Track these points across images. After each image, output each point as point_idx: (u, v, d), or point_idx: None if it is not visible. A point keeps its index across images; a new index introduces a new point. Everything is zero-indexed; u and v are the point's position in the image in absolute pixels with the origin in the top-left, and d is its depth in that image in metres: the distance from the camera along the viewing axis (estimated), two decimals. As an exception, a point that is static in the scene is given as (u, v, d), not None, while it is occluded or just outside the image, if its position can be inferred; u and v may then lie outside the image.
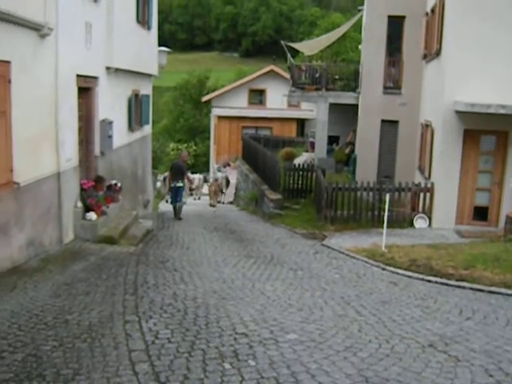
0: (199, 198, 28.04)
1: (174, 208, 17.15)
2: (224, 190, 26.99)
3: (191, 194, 27.58)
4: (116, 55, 12.96)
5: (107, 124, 12.46)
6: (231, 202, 25.96)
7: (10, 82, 7.98)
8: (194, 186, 27.82)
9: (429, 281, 8.93)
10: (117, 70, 13.20)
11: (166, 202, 22.89)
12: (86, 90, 11.52)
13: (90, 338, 5.60)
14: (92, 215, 11.00)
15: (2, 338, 5.49)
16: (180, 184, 16.90)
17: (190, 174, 23.48)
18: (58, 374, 4.76)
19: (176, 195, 17.04)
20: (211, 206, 24.56)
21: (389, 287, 8.47)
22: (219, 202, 25.66)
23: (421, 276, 9.16)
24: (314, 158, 22.50)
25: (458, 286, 8.59)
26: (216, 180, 27.43)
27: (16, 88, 8.14)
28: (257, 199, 19.51)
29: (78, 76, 10.78)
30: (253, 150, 23.47)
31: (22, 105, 8.35)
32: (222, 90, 39.73)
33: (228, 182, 27.36)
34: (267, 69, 38.28)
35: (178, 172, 16.98)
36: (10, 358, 5.06)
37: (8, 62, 7.94)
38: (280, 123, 36.89)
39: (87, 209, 11.05)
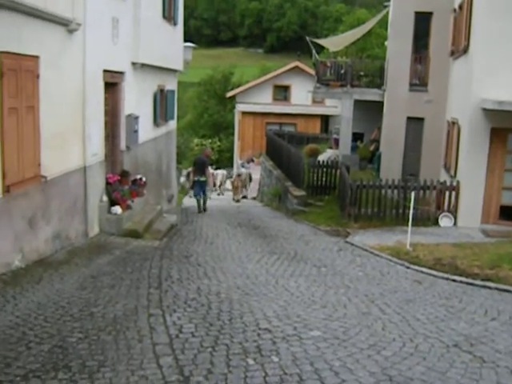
0: (222, 194, 28.13)
1: (198, 202, 17.49)
2: (247, 186, 27.06)
3: (215, 190, 27.71)
4: (142, 50, 13.04)
5: (133, 119, 12.55)
6: (254, 198, 25.98)
7: (38, 77, 8.08)
8: (217, 182, 27.97)
9: (454, 280, 8.84)
10: (143, 65, 13.28)
11: (190, 197, 23.04)
12: (112, 85, 11.62)
13: (114, 331, 5.66)
14: (117, 209, 11.10)
15: (29, 329, 5.58)
16: (203, 178, 17.31)
17: (212, 170, 23.91)
18: (83, 366, 4.82)
19: (200, 189, 17.40)
20: (235, 201, 24.66)
21: (413, 286, 8.41)
22: (243, 198, 25.72)
23: (446, 275, 9.07)
24: (338, 155, 22.40)
25: (484, 286, 8.49)
26: (239, 176, 27.47)
27: (44, 83, 8.24)
28: (280, 195, 19.48)
29: (104, 71, 10.88)
30: (277, 146, 23.43)
31: (49, 100, 8.45)
32: (247, 86, 39.73)
33: (251, 178, 27.39)
34: (292, 65, 38.17)
35: (201, 167, 17.37)
36: (36, 348, 5.14)
37: (36, 57, 8.05)
38: (304, 119, 36.77)
39: (112, 203, 11.15)
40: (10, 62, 7.21)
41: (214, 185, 27.00)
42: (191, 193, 20.13)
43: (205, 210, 17.47)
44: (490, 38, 12.99)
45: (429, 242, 11.41)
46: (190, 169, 21.88)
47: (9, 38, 7.22)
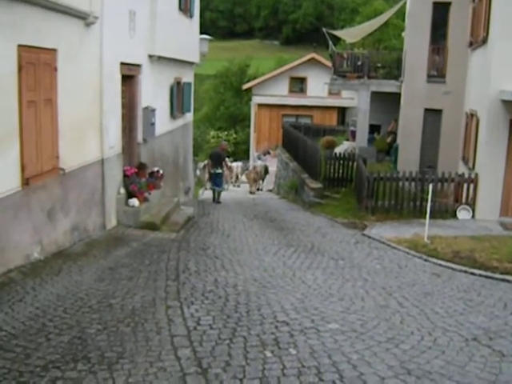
0: (239, 186, 28.14)
1: (214, 192, 18.39)
2: (263, 178, 27.06)
3: (232, 182, 27.75)
4: (159, 43, 13.05)
5: (150, 111, 12.58)
6: (270, 190, 25.96)
7: (56, 69, 8.12)
8: (233, 174, 28.00)
9: (472, 273, 8.77)
10: (159, 57, 13.30)
11: (205, 189, 23.12)
12: (129, 77, 11.65)
13: (133, 323, 5.70)
14: (134, 201, 11.15)
15: (48, 321, 5.63)
16: (219, 170, 18.17)
17: (229, 163, 24.18)
18: (102, 357, 4.86)
19: (215, 181, 18.31)
20: (250, 193, 24.69)
21: (431, 279, 8.36)
22: (258, 190, 25.71)
23: (464, 268, 9.01)
24: (354, 147, 22.31)
25: (503, 280, 8.42)
26: (255, 168, 27.47)
27: (62, 76, 8.29)
28: (297, 188, 19.45)
29: (121, 64, 10.90)
30: (293, 139, 23.37)
31: (67, 92, 8.49)
32: (263, 78, 39.65)
33: (267, 170, 27.38)
34: (308, 57, 38.01)
35: (217, 160, 18.19)
36: (56, 339, 5.19)
37: (54, 50, 8.09)
38: (321, 111, 36.63)
39: (130, 195, 11.20)
40: (29, 55, 7.26)
41: (231, 177, 27.16)
42: (208, 185, 20.50)
43: (219, 201, 18.09)
44: (510, 29, 12.82)
45: (447, 235, 11.33)
46: (206, 161, 22.32)
47: (27, 31, 7.26)
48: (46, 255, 7.93)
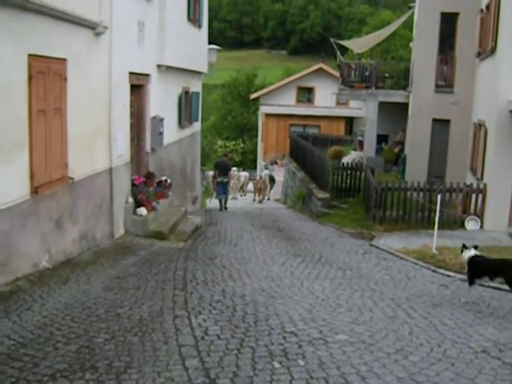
0: (245, 195, 28.23)
1: (220, 201, 19.35)
2: (267, 188, 27.17)
3: (240, 191, 27.87)
4: (167, 53, 13.12)
5: (158, 121, 12.63)
6: (278, 200, 25.97)
7: (65, 79, 8.16)
8: (240, 183, 28.09)
9: (481, 284, 8.71)
10: (168, 67, 13.36)
11: (210, 198, 23.22)
12: (138, 87, 11.70)
13: (140, 332, 5.68)
14: (142, 210, 11.16)
15: (56, 329, 5.62)
16: (226, 179, 19.44)
17: (236, 172, 24.95)
18: (110, 367, 4.85)
19: (222, 189, 19.33)
20: (256, 202, 24.79)
21: (440, 290, 8.32)
22: (264, 199, 25.77)
23: (473, 279, 8.94)
24: (362, 157, 22.28)
25: (512, 291, 8.34)
26: (261, 177, 27.54)
27: (71, 85, 8.33)
28: (304, 197, 19.43)
29: (130, 73, 10.96)
30: (300, 148, 23.39)
31: (76, 102, 8.54)
32: (270, 88, 39.78)
33: (272, 180, 27.46)
34: (316, 67, 38.14)
35: (223, 169, 19.38)
36: (64, 348, 5.18)
37: (64, 60, 8.13)
38: (328, 121, 36.67)
39: (138, 204, 11.22)
40: (39, 64, 7.30)
41: (239, 187, 27.38)
42: (215, 194, 21.02)
43: (226, 208, 19.22)
44: (518, 39, 12.81)
45: (455, 246, 11.24)
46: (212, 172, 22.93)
47: (37, 41, 7.31)
48: (54, 264, 7.94)
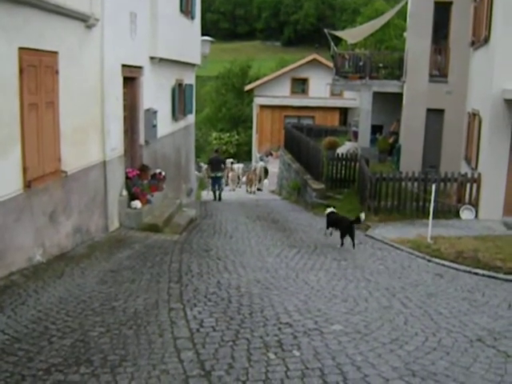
0: (240, 187, 28.35)
1: (214, 193, 20.70)
2: (262, 179, 27.59)
3: (236, 183, 28.06)
4: (160, 45, 13.05)
5: (151, 113, 12.57)
6: (273, 191, 25.99)
7: (57, 72, 8.11)
8: (235, 176, 28.21)
9: (476, 273, 8.75)
10: (161, 59, 13.29)
11: (206, 191, 23.41)
12: (130, 79, 11.64)
13: (135, 325, 5.68)
14: (137, 203, 11.14)
15: (51, 323, 5.62)
16: (220, 174, 20.81)
17: (232, 164, 27.82)
18: (105, 360, 4.84)
19: (217, 183, 20.67)
20: (248, 192, 25.36)
21: (435, 279, 8.33)
22: (258, 190, 26.14)
23: (468, 268, 8.98)
24: (356, 148, 22.26)
25: (507, 280, 8.39)
26: (255, 169, 27.72)
27: (63, 78, 8.28)
28: (299, 189, 19.43)
29: (123, 66, 10.90)
30: (295, 140, 23.36)
31: (69, 95, 8.49)
32: (265, 79, 39.68)
33: (266, 172, 27.60)
34: (310, 57, 38.04)
35: (217, 164, 20.73)
36: (58, 342, 5.17)
37: (55, 53, 8.08)
38: (323, 112, 36.62)
39: (132, 197, 11.19)
40: (30, 58, 7.25)
41: (234, 179, 28.06)
42: (210, 187, 21.74)
43: (220, 199, 20.47)
44: (512, 28, 12.78)
45: (450, 235, 11.30)
46: (206, 166, 24.14)
47: (28, 34, 7.25)
48: (49, 258, 7.92)
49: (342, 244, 10.53)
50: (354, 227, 10.69)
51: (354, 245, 10.41)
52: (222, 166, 21.57)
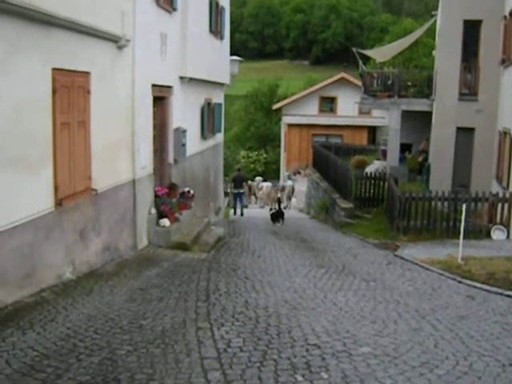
0: (267, 204, 28.56)
1: (235, 209, 23.14)
2: (291, 197, 28.48)
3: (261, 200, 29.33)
4: (190, 65, 13.21)
5: (181, 132, 12.69)
6: (301, 210, 25.96)
7: (89, 92, 8.25)
8: (265, 193, 28.56)
9: (508, 296, 8.54)
10: (190, 79, 13.44)
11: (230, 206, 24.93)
12: (160, 99, 11.79)
13: (163, 344, 5.67)
14: (165, 222, 11.20)
15: (79, 341, 5.64)
16: (242, 190, 23.93)
17: (262, 183, 30.39)
18: (132, 379, 4.83)
19: (239, 199, 23.35)
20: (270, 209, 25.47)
21: (466, 301, 8.17)
22: (285, 208, 26.14)
23: (499, 290, 8.77)
24: (385, 167, 22.14)
25: (540, 302, 8.18)
26: (283, 189, 28.67)
27: (95, 98, 8.42)
28: (327, 208, 19.35)
29: (153, 86, 11.04)
30: (323, 158, 23.33)
31: (100, 114, 8.62)
32: (293, 98, 39.81)
33: (293, 190, 28.76)
34: (338, 76, 38.08)
35: (240, 182, 23.67)
36: (87, 360, 5.19)
37: (88, 73, 8.23)
38: (351, 131, 36.55)
39: (161, 215, 11.27)
40: (63, 78, 7.40)
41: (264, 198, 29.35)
42: (232, 203, 24.65)
43: (242, 214, 22.70)
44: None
45: (481, 256, 11.10)
46: (230, 184, 26.48)
47: (61, 55, 7.41)
48: (78, 275, 8.00)
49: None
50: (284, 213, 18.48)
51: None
52: (244, 183, 24.88)
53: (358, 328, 6.49)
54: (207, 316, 6.67)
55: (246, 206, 25.52)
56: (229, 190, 26.27)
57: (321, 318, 6.80)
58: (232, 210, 23.65)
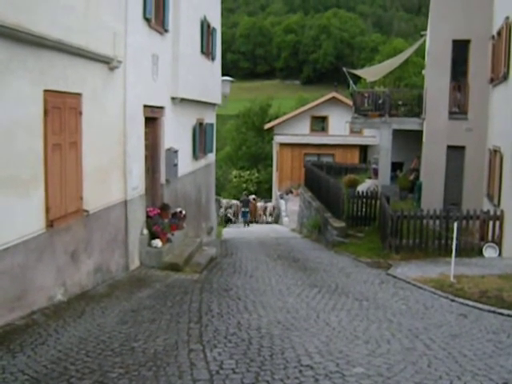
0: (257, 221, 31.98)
1: (244, 221, 32.00)
2: (272, 215, 35.21)
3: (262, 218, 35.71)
4: (181, 86, 13.27)
5: (172, 153, 12.71)
6: (293, 229, 25.94)
7: (81, 113, 8.27)
8: (262, 212, 35.29)
9: (501, 313, 8.54)
10: (182, 99, 13.50)
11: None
12: (152, 119, 11.82)
13: (155, 366, 5.62)
14: (157, 242, 11.17)
15: (70, 364, 5.58)
16: (247, 209, 32.52)
17: (255, 201, 36.38)
18: (124, 402, 4.79)
19: (244, 216, 32.33)
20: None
21: (458, 320, 8.16)
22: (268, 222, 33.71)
23: (492, 308, 8.77)
24: (377, 185, 22.20)
25: (533, 320, 8.18)
26: (265, 208, 36.30)
27: (86, 119, 8.43)
28: (320, 227, 19.34)
29: (145, 106, 11.08)
30: (315, 177, 23.39)
31: (91, 135, 8.63)
32: (284, 118, 40.00)
33: (273, 209, 35.51)
34: (329, 96, 38.31)
35: (246, 203, 32.77)
36: (78, 383, 5.14)
37: (79, 95, 8.25)
38: (342, 150, 36.69)
39: (153, 236, 11.24)
40: (54, 99, 7.41)
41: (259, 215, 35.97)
42: (240, 219, 33.72)
43: (248, 225, 31.12)
44: (531, 65, 12.80)
45: (473, 274, 11.11)
46: (237, 203, 35.58)
47: (53, 76, 7.42)
48: (70, 297, 7.94)
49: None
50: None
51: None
52: (249, 203, 33.20)
53: (351, 348, 6.46)
54: (199, 338, 6.63)
55: (251, 221, 32.75)
56: (231, 217, 34.71)
57: (314, 339, 6.77)
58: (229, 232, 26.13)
